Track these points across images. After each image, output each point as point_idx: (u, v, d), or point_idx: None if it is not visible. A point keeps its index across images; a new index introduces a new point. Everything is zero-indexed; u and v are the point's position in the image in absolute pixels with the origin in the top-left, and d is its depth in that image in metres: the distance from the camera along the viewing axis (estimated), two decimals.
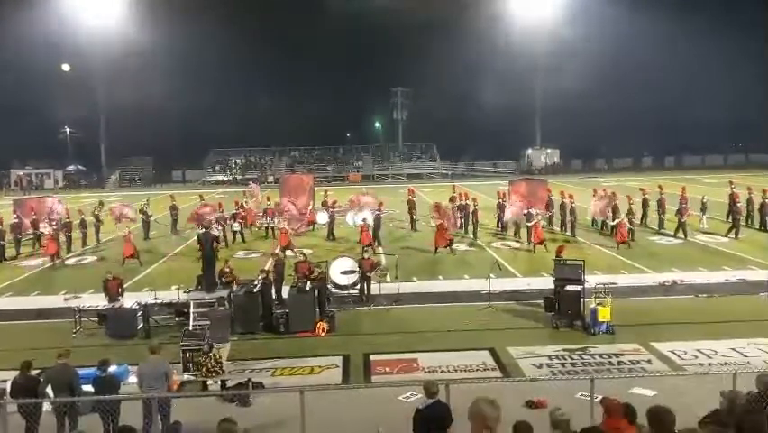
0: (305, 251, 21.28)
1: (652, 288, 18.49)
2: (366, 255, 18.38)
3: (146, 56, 58.00)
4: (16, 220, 26.85)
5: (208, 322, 14.10)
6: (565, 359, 13.17)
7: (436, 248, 23.64)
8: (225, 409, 10.49)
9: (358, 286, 18.05)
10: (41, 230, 26.46)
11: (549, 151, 66.35)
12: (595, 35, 55.43)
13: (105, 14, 58.26)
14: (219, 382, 11.84)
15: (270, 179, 60.68)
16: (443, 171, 64.86)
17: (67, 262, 24.38)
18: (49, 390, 9.78)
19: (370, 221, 25.26)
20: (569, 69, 58.11)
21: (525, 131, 67.47)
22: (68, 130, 71.24)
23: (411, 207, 29.94)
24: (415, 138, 70.75)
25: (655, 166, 65.77)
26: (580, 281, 15.20)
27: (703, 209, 27.47)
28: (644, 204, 28.11)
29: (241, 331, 15.12)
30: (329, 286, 17.48)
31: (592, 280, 16.48)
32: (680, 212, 25.52)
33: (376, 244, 25.15)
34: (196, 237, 17.00)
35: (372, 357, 13.51)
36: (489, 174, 63.44)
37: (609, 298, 14.72)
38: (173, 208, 29.78)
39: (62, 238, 25.55)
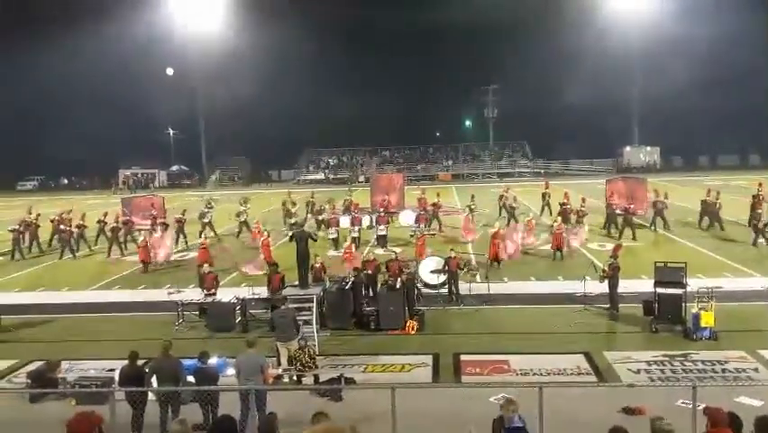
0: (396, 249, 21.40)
1: (760, 292, 17.43)
2: (453, 254, 18.15)
3: (243, 59, 60.12)
4: (126, 218, 28.44)
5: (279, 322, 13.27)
6: (665, 365, 12.63)
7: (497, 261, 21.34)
8: (318, 403, 10.71)
9: (446, 286, 17.96)
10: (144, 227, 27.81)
11: (648, 148, 63.84)
12: (696, 30, 52.68)
13: (205, 20, 60.88)
14: (312, 377, 12.12)
15: (362, 178, 61.52)
16: (536, 170, 63.66)
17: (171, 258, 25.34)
18: (153, 380, 10.29)
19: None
20: (668, 64, 55.68)
21: (623, 129, 65.23)
22: (171, 131, 74.86)
23: (503, 205, 29.66)
24: (506, 136, 69.88)
25: (764, 164, 61.99)
26: (681, 285, 14.56)
27: None
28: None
29: (332, 327, 15.41)
30: (418, 285, 17.51)
31: (694, 283, 15.70)
32: None
33: None
34: (290, 236, 17.18)
35: (462, 357, 13.42)
36: (584, 173, 61.67)
37: (713, 302, 14.02)
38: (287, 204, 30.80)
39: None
